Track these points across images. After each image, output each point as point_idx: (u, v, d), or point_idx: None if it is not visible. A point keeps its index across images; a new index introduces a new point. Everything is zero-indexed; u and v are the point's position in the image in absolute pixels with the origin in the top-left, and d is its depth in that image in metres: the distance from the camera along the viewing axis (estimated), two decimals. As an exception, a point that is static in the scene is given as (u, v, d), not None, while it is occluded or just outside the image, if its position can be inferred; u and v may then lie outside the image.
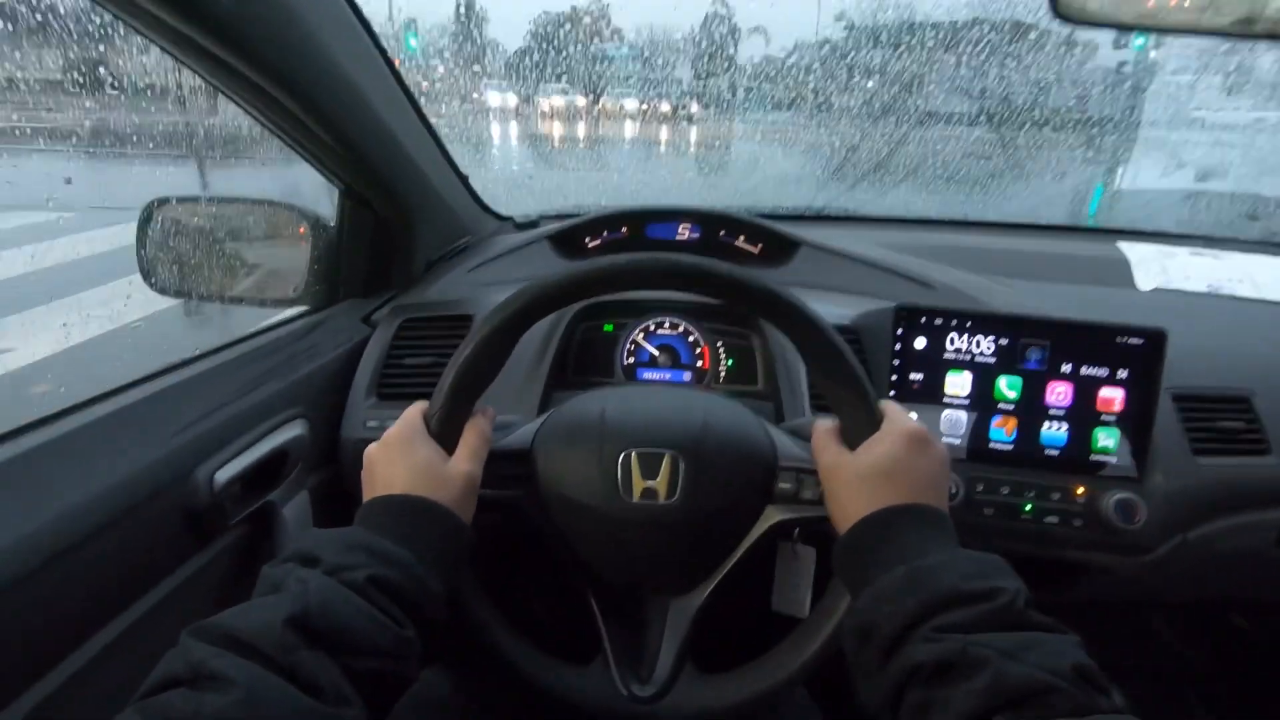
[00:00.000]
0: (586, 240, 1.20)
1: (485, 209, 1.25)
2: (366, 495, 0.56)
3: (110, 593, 0.61)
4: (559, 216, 1.27)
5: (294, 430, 0.82)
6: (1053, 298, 1.01)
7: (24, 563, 0.52)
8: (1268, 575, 0.91)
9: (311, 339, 0.92)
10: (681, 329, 1.03)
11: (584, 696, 0.63)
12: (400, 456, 0.56)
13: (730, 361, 1.01)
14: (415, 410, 0.59)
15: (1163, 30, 0.57)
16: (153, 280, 0.92)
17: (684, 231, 1.20)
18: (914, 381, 0.83)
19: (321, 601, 0.42)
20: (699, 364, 1.01)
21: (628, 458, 0.60)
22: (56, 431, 0.61)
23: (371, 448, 0.58)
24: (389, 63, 0.86)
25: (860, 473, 0.54)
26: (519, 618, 0.66)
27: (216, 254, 0.93)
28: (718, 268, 0.58)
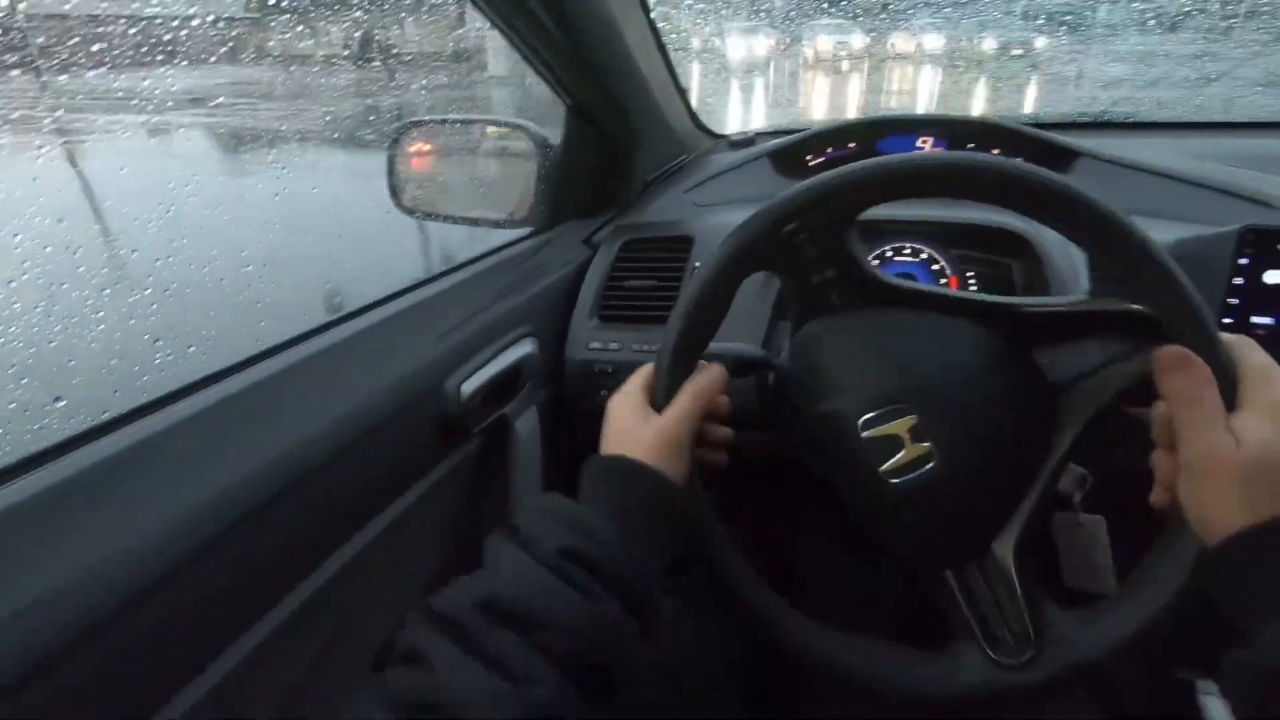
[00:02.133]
0: (809, 159, 1.09)
1: (700, 126, 1.18)
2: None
3: (378, 489, 0.67)
4: (776, 133, 1.17)
5: (525, 348, 0.84)
6: None
7: (311, 460, 0.57)
8: None
9: (538, 259, 0.94)
10: (925, 255, 0.90)
11: (947, 685, 0.55)
12: (615, 415, 0.56)
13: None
14: (646, 368, 0.58)
15: None
16: (399, 200, 0.98)
17: (924, 145, 1.05)
18: (1259, 327, 0.65)
19: (510, 578, 0.43)
20: None
21: (871, 440, 0.54)
22: (339, 336, 0.66)
23: (610, 401, 0.58)
24: None
25: (1247, 468, 0.42)
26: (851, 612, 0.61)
27: (456, 175, 0.97)
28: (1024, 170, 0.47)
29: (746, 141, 1.19)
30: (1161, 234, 0.76)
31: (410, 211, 0.99)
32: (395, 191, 0.97)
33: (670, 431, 0.53)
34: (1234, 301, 0.66)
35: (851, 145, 1.08)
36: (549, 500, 0.49)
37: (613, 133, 0.95)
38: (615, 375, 0.88)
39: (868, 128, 1.07)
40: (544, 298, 0.90)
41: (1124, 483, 0.54)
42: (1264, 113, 1.08)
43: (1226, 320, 0.67)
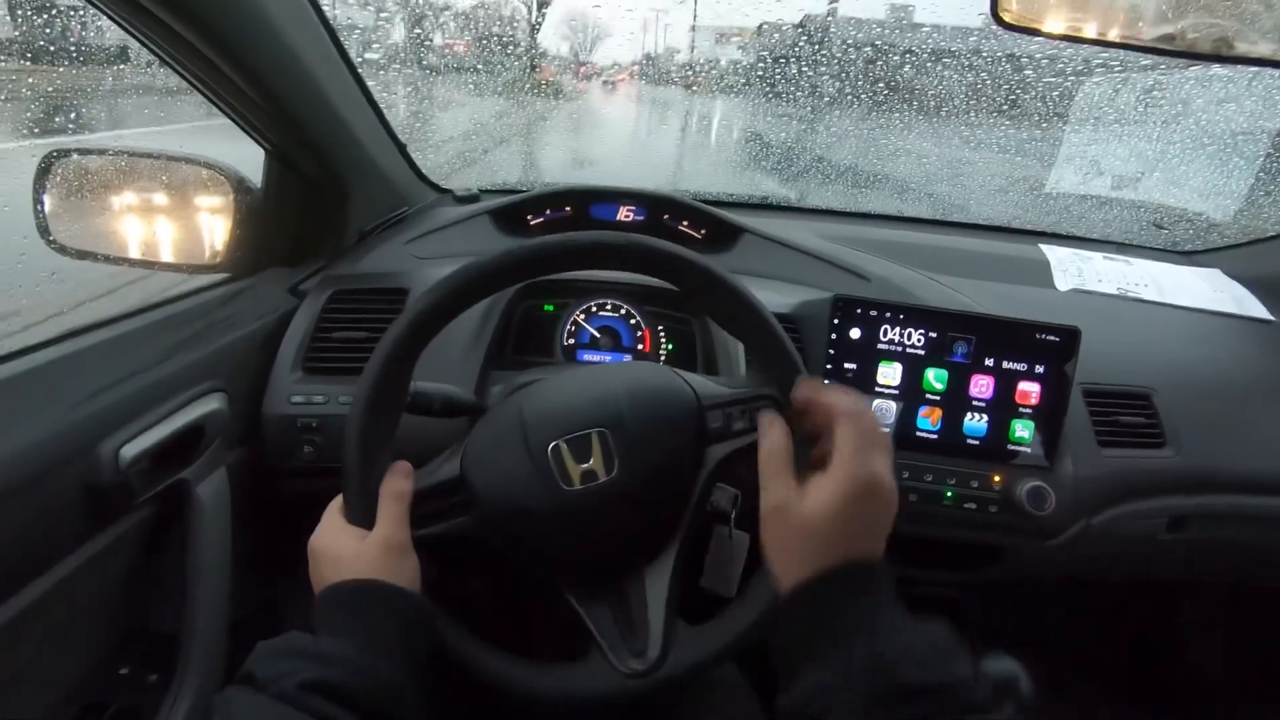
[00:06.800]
0: (529, 218, 1.18)
1: (424, 180, 1.21)
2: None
3: (9, 570, 0.57)
4: (501, 191, 1.25)
5: (211, 404, 0.77)
6: (979, 294, 1.06)
7: None
8: (1160, 558, 0.99)
9: (233, 307, 0.87)
10: (623, 311, 1.02)
11: (587, 689, 0.59)
12: (323, 547, 0.55)
13: (671, 345, 1.01)
14: (335, 502, 0.58)
15: (1094, 43, 0.60)
16: (52, 239, 0.85)
17: (627, 213, 1.19)
18: (848, 371, 0.86)
19: None
20: (640, 346, 1.01)
21: (557, 449, 0.58)
22: None
23: (311, 541, 0.57)
24: (325, 22, 0.81)
25: (808, 521, 0.48)
26: (503, 637, 0.63)
27: (128, 213, 0.87)
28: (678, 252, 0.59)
29: (471, 198, 1.24)
30: (792, 297, 0.98)
31: (68, 252, 0.86)
32: (45, 229, 0.84)
33: (394, 539, 0.54)
34: (832, 351, 0.86)
35: (567, 209, 1.19)
36: (282, 640, 0.47)
37: (318, 181, 0.93)
38: (320, 430, 0.85)
39: (581, 194, 1.19)
40: (238, 349, 0.84)
41: None
42: (869, 206, 1.43)
43: (828, 366, 0.86)
